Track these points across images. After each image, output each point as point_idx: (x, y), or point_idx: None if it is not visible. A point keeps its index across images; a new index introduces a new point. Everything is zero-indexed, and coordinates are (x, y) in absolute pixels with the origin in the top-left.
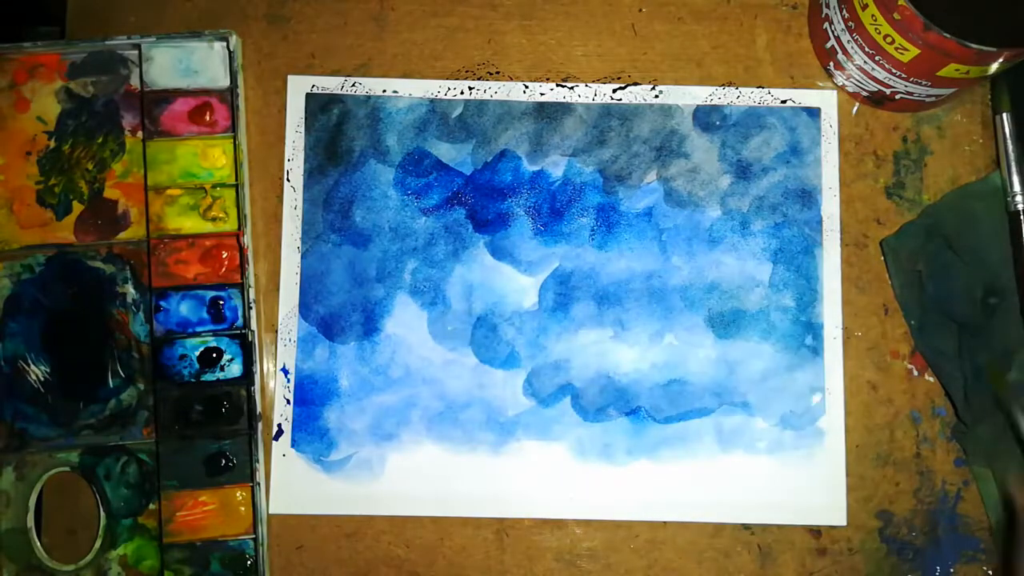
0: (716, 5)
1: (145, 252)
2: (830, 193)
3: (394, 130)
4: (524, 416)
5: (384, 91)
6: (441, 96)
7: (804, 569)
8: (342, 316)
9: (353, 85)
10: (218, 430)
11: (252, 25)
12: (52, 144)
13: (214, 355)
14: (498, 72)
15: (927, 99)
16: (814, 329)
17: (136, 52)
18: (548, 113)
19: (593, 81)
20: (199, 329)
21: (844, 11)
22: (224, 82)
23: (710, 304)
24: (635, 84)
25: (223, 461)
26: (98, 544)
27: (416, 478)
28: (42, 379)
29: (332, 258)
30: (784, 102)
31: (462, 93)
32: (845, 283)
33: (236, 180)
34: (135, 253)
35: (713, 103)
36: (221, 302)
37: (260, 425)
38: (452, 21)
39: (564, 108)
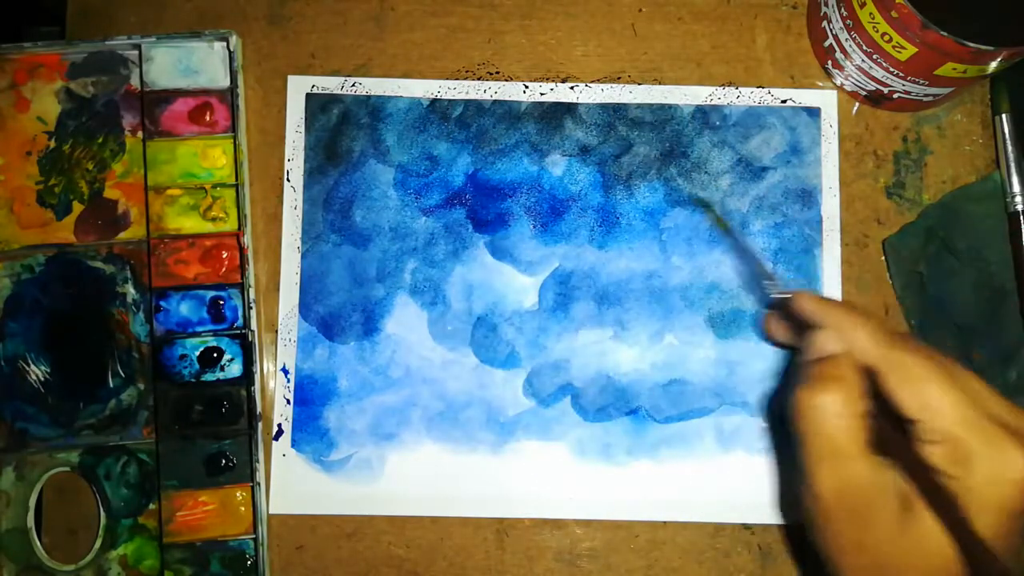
0: (716, 5)
1: (145, 252)
2: (830, 193)
3: (394, 130)
4: (524, 416)
5: (384, 91)
6: (441, 96)
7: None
8: (342, 316)
9: (353, 85)
10: (218, 430)
11: (252, 25)
12: (52, 144)
13: (214, 355)
14: (498, 72)
15: (925, 99)
16: None
17: (136, 52)
18: (548, 113)
19: (593, 81)
20: (199, 329)
21: (842, 9)
22: (224, 82)
23: (710, 304)
24: (635, 84)
25: (223, 461)
26: (98, 544)
27: (416, 478)
28: (42, 379)
29: (332, 258)
30: (784, 102)
31: (462, 93)
32: (845, 283)
33: (236, 180)
34: (135, 253)
35: (713, 103)
36: (221, 302)
37: (260, 425)
38: (452, 21)
39: (564, 108)
